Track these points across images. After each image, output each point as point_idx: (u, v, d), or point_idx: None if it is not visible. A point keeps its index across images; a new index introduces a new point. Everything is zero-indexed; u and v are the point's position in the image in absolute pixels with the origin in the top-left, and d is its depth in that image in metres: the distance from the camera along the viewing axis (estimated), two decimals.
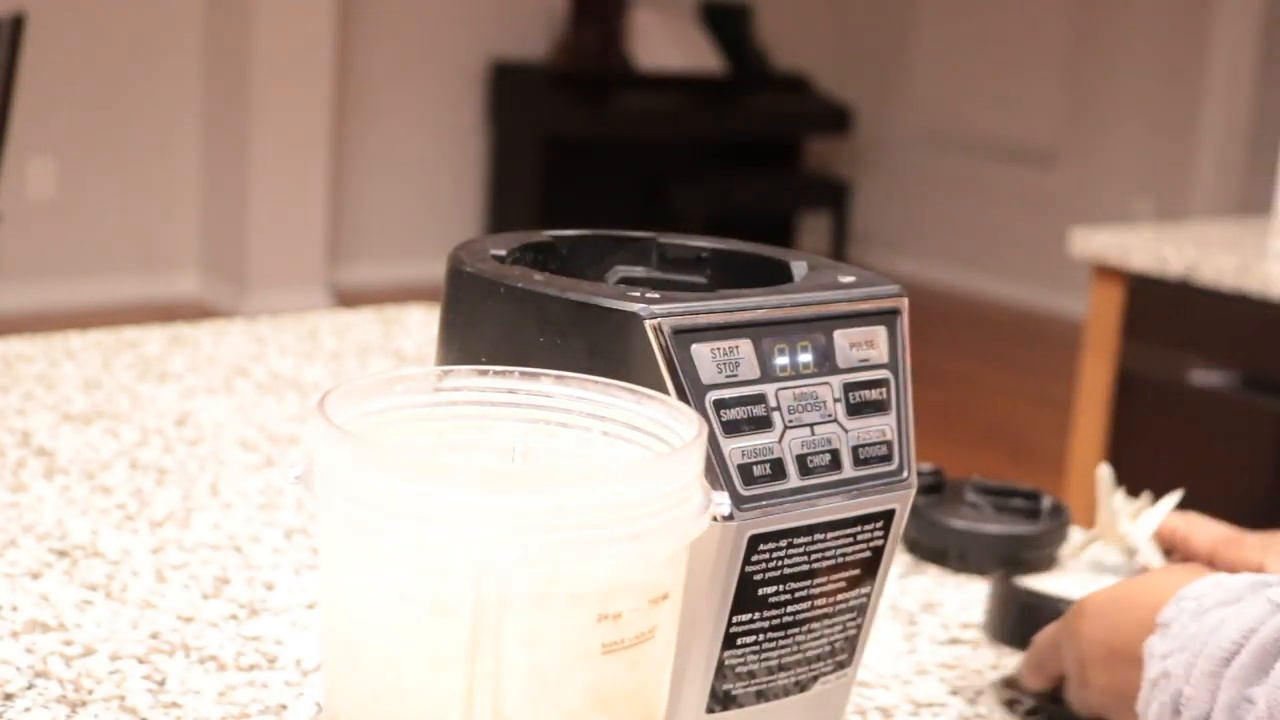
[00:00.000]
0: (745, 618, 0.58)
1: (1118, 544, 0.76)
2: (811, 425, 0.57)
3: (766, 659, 0.59)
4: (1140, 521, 0.77)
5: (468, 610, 0.42)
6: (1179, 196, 5.27)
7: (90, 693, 0.67)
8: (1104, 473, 0.78)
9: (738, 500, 0.55)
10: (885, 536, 0.60)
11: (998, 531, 0.85)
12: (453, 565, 0.42)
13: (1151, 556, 0.76)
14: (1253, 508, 2.22)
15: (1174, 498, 0.81)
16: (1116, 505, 0.77)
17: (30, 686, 0.67)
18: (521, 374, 0.51)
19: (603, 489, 0.43)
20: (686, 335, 0.55)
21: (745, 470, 0.55)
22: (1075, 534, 0.88)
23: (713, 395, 0.55)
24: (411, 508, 0.42)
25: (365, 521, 0.43)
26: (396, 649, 0.43)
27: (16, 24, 2.29)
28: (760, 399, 0.56)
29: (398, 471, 0.42)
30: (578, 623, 0.43)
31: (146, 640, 0.73)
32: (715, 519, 0.54)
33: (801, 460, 0.57)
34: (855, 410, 0.59)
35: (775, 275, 0.63)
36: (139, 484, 0.94)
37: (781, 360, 0.57)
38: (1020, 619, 0.76)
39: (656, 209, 5.30)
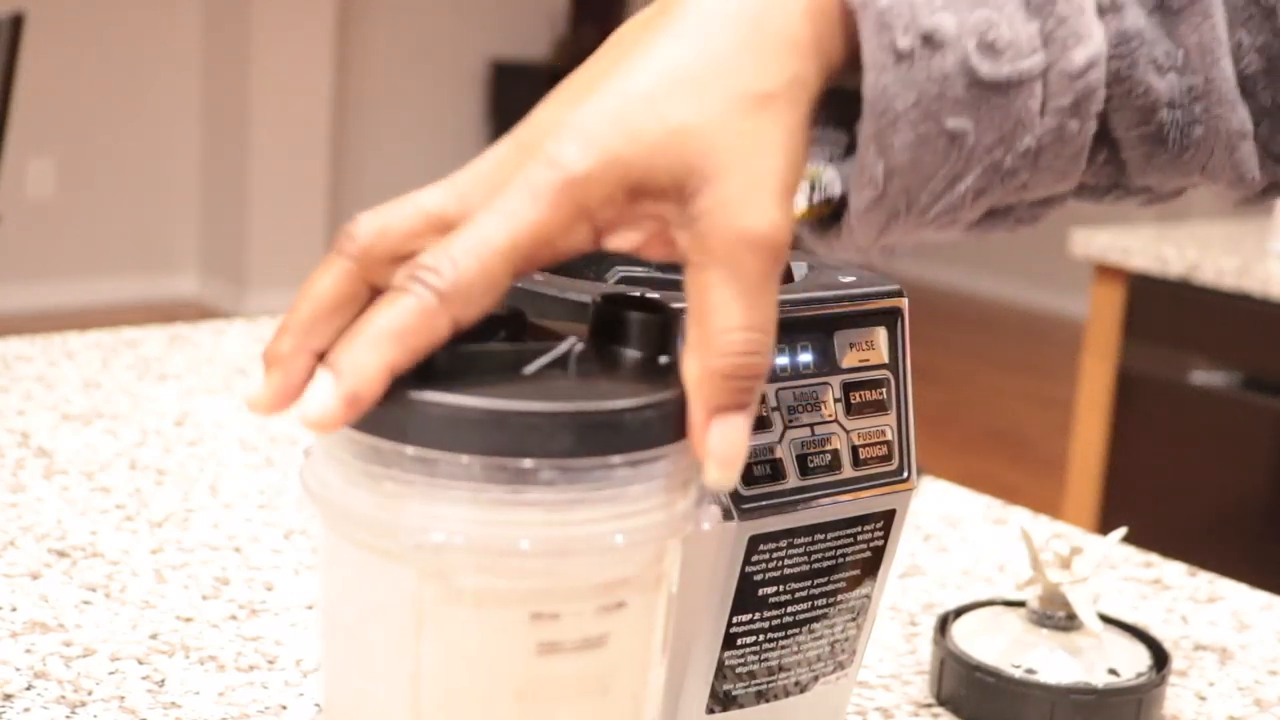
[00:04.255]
0: (745, 618, 0.58)
1: (1052, 593, 0.72)
2: (811, 425, 0.57)
3: (767, 659, 0.59)
4: (1075, 569, 0.73)
5: (464, 607, 0.42)
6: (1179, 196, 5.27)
7: (90, 693, 0.67)
8: (1026, 531, 0.75)
9: (737, 500, 0.55)
10: (885, 536, 0.60)
11: None
12: (447, 562, 0.42)
13: (1090, 620, 0.72)
14: (1253, 508, 2.22)
15: (1115, 535, 0.77)
16: (1043, 558, 0.73)
17: (29, 687, 0.67)
18: None
19: (599, 484, 0.43)
20: None
21: (745, 470, 0.55)
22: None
23: None
24: (406, 505, 0.42)
25: (360, 520, 0.43)
26: (387, 650, 0.43)
27: (16, 24, 2.29)
28: (759, 399, 0.56)
29: (394, 469, 0.42)
30: (575, 617, 0.43)
31: (146, 641, 0.73)
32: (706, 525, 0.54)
33: (801, 460, 0.57)
34: (855, 410, 0.59)
35: None
36: (138, 484, 0.94)
37: (781, 360, 0.57)
38: (965, 687, 0.71)
39: None
